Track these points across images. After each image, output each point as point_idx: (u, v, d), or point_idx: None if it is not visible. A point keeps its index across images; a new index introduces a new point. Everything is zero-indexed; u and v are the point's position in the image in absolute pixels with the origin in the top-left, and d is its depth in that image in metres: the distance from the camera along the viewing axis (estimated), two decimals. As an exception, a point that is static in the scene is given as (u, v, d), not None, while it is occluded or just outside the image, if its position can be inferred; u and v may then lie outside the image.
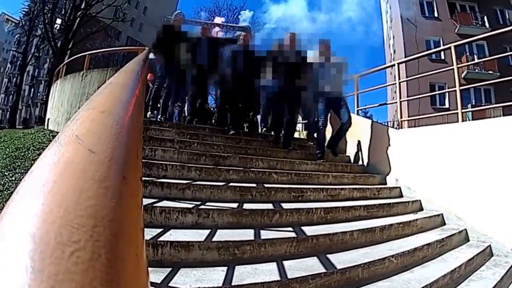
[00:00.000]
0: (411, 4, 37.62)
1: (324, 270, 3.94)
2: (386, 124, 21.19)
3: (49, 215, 0.49)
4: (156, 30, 11.42)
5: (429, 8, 37.98)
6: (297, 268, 3.93)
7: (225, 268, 3.69)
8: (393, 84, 13.32)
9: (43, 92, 56.90)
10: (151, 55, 9.33)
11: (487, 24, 35.78)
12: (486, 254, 5.76)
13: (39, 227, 0.47)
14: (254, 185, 5.60)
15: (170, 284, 3.21)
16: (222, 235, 4.29)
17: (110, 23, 44.33)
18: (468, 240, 6.28)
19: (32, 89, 67.03)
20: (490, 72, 32.02)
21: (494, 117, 9.10)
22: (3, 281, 0.41)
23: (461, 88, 8.08)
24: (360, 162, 9.85)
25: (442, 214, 6.95)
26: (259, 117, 12.75)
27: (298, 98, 9.23)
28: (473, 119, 10.67)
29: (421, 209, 7.37)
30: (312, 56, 9.50)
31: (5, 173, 8.71)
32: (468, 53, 32.54)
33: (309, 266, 4.01)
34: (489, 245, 5.90)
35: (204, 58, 9.61)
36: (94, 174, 0.60)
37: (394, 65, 11.34)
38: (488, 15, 36.69)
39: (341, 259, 4.28)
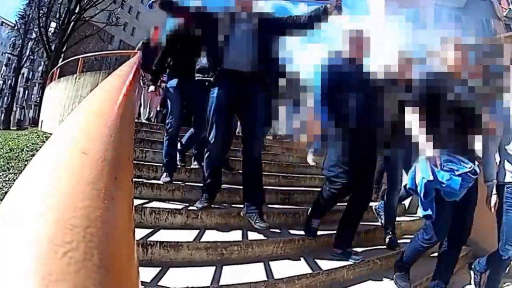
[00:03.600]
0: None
1: (310, 271, 3.95)
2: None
3: (43, 216, 0.48)
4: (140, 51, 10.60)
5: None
6: (283, 268, 3.93)
7: (213, 268, 3.70)
8: None
9: (37, 94, 56.62)
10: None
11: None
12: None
13: (33, 227, 0.46)
14: (241, 187, 5.60)
15: (159, 283, 3.21)
16: (211, 235, 4.29)
17: (104, 27, 44.26)
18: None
19: (27, 91, 66.73)
20: None
21: None
22: (-3, 281, 0.40)
23: None
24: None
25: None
26: None
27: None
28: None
29: (406, 212, 7.36)
30: None
31: (-1, 174, 8.65)
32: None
33: (296, 266, 4.02)
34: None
35: (248, 54, 4.60)
36: (87, 175, 0.60)
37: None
38: None
39: (327, 260, 4.29)
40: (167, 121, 6.24)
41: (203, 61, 5.67)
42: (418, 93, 3.91)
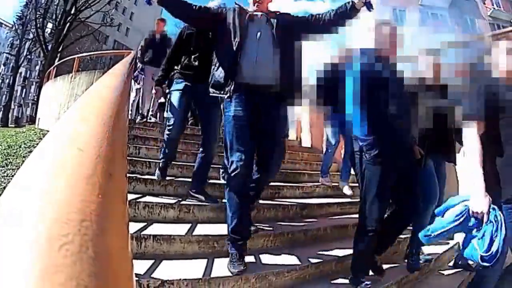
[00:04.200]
0: None
1: (298, 263, 3.96)
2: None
3: (41, 211, 0.48)
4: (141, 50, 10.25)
5: None
6: (273, 261, 3.95)
7: (205, 261, 3.71)
8: None
9: (34, 92, 56.46)
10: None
11: None
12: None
13: (30, 221, 0.47)
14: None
15: (153, 275, 3.21)
16: (202, 229, 4.29)
17: (98, 28, 44.09)
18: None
19: (24, 90, 66.45)
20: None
21: None
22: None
23: None
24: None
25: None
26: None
27: None
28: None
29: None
30: None
31: (-2, 170, 8.62)
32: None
33: (285, 259, 4.03)
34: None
35: (267, 63, 3.92)
36: (82, 171, 0.60)
37: None
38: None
39: (316, 254, 4.30)
40: (166, 126, 5.48)
41: (217, 74, 3.96)
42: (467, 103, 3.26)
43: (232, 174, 3.69)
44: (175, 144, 5.63)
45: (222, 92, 3.93)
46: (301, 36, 4.10)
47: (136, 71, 10.68)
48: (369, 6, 3.89)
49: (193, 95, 5.24)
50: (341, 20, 4.03)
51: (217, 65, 4.04)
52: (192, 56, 5.20)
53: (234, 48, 3.85)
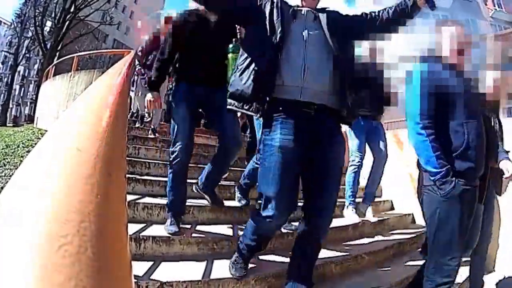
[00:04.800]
0: None
1: (299, 265, 3.97)
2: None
3: (40, 211, 0.49)
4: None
5: None
6: (273, 263, 3.95)
7: (204, 263, 3.71)
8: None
9: (33, 91, 56.29)
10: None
11: None
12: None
13: (29, 221, 0.47)
14: (233, 183, 5.59)
15: (152, 277, 3.21)
16: (202, 230, 4.29)
17: (98, 26, 44.03)
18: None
19: (23, 89, 66.34)
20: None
21: None
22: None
23: None
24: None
25: (412, 214, 6.98)
26: None
27: None
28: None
29: (393, 208, 7.39)
30: None
31: (-5, 170, 8.63)
32: None
33: (285, 261, 4.03)
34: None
35: (321, 74, 3.01)
36: (81, 171, 0.60)
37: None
38: None
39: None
40: (170, 149, 4.19)
41: (240, 81, 2.99)
42: None
43: (270, 219, 2.96)
44: (182, 182, 4.30)
45: (249, 108, 2.96)
46: (356, 38, 3.29)
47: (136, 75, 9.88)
48: (432, 5, 3.06)
49: (199, 100, 4.24)
50: (402, 19, 3.20)
51: (241, 68, 3.03)
52: (195, 50, 4.19)
53: (272, 49, 2.92)
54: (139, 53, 9.31)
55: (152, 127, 9.17)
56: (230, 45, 3.93)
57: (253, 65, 2.98)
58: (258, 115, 2.99)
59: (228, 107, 3.12)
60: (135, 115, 10.74)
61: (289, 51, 2.95)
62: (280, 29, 2.96)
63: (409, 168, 6.28)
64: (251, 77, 2.95)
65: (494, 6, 41.52)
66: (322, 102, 2.96)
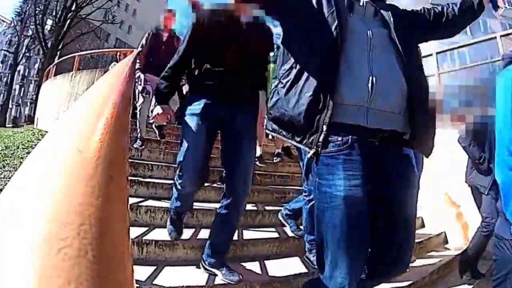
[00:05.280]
0: None
1: (305, 270, 3.95)
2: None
3: (40, 213, 0.49)
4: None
5: None
6: (279, 268, 3.93)
7: (208, 267, 3.69)
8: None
9: (33, 91, 56.52)
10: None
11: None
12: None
13: (28, 223, 0.47)
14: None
15: (154, 282, 3.21)
16: (206, 234, 4.29)
17: (100, 25, 44.14)
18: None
19: (23, 89, 66.58)
20: None
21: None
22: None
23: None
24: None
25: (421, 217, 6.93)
26: None
27: None
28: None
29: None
30: None
31: (-6, 171, 8.65)
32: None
33: (291, 266, 4.02)
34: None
35: (392, 90, 2.12)
36: (82, 173, 0.60)
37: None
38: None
39: (322, 260, 4.29)
40: (177, 172, 3.48)
41: (285, 104, 2.21)
42: None
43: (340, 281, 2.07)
44: (191, 197, 3.90)
45: (302, 140, 2.14)
46: (421, 39, 2.55)
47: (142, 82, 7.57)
48: (495, 5, 2.54)
49: (218, 119, 3.44)
50: (468, 17, 2.56)
51: (286, 83, 2.21)
52: (216, 57, 3.36)
53: (329, 54, 2.10)
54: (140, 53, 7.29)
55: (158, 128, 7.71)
56: (271, 54, 3.39)
57: (303, 79, 2.13)
58: (314, 151, 2.07)
59: (271, 133, 2.38)
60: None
61: (350, 57, 2.08)
62: (336, 24, 2.11)
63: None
64: (303, 96, 2.09)
65: (505, 4, 41.43)
66: (392, 128, 2.11)
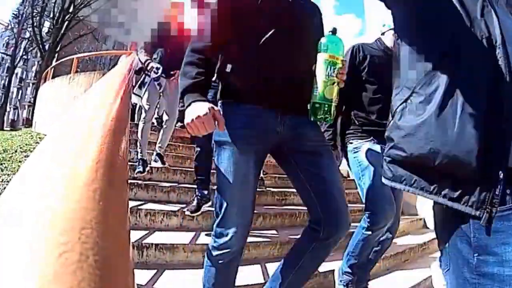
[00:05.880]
0: None
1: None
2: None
3: (39, 216, 0.49)
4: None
5: None
6: (280, 270, 3.94)
7: (209, 270, 3.70)
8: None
9: (31, 94, 56.68)
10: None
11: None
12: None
13: (29, 228, 0.47)
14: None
15: (155, 286, 3.21)
16: (207, 237, 4.28)
17: (98, 27, 44.19)
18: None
19: (20, 91, 66.74)
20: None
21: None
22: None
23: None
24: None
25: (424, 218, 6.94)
26: None
27: None
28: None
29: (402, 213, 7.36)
30: None
31: (-8, 175, 8.64)
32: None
33: (292, 268, 4.02)
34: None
35: None
36: (82, 176, 0.60)
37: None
38: None
39: (324, 262, 4.30)
40: (216, 228, 2.60)
41: (439, 133, 1.27)
42: None
43: None
44: (231, 281, 2.97)
45: (462, 199, 1.26)
46: None
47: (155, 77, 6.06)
48: None
49: (271, 136, 2.42)
50: None
51: (433, 95, 1.33)
52: (262, 45, 2.22)
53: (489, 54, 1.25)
54: (143, 52, 6.15)
55: (157, 150, 6.30)
56: (323, 39, 2.25)
57: (459, 97, 1.26)
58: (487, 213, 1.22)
59: (392, 185, 1.52)
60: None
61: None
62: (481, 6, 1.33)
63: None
64: (471, 121, 1.23)
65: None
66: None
